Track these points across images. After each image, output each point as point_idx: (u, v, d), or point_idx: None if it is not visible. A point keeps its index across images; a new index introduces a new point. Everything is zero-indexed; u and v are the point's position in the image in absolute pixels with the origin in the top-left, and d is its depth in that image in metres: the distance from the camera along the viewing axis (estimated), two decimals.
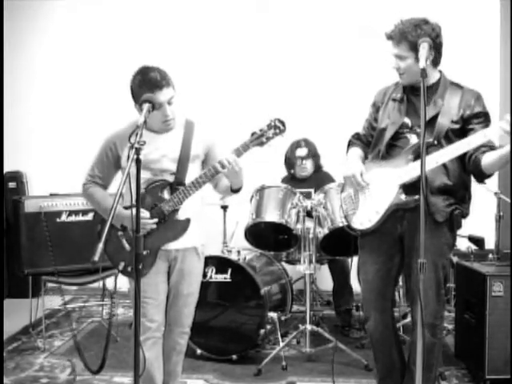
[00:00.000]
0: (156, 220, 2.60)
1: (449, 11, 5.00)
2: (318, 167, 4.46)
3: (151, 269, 2.63)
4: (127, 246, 2.62)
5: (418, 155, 2.49)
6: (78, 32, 5.38)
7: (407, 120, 2.67)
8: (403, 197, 2.58)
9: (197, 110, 5.12)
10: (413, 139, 2.64)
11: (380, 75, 2.85)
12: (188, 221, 2.66)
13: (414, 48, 2.50)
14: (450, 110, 2.56)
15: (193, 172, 2.69)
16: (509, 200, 3.71)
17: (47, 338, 3.94)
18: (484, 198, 4.10)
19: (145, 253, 2.59)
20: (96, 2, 5.39)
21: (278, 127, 2.55)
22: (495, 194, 3.72)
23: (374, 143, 2.79)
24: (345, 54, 4.96)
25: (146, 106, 2.35)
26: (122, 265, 2.63)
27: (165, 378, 2.87)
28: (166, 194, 2.64)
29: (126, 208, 2.57)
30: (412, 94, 2.69)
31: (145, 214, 2.55)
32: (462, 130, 2.57)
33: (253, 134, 2.56)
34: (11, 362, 3.59)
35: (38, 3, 5.41)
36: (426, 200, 2.51)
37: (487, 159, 2.46)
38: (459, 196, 2.61)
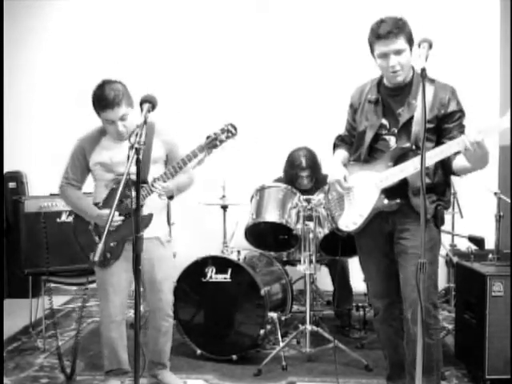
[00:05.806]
0: (122, 218, 2.84)
1: (449, 11, 5.00)
2: (317, 178, 4.19)
3: (118, 259, 2.89)
4: (97, 239, 2.91)
5: (396, 161, 2.57)
6: (80, 32, 5.37)
7: (385, 122, 2.66)
8: (386, 201, 2.61)
9: (195, 110, 5.15)
10: (391, 141, 2.64)
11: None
12: (150, 216, 2.86)
13: (409, 40, 2.51)
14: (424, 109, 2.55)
15: (155, 173, 2.85)
16: (509, 200, 3.71)
17: (47, 338, 3.93)
18: (484, 197, 4.12)
19: (112, 244, 2.86)
20: (96, 2, 5.39)
21: (230, 131, 2.81)
22: (495, 194, 3.71)
23: (355, 145, 2.80)
24: (345, 55, 4.93)
25: (145, 106, 2.36)
26: (92, 255, 2.82)
27: (155, 358, 3.10)
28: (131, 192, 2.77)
29: (95, 204, 2.89)
30: (387, 94, 2.67)
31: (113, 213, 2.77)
32: (438, 128, 2.56)
33: (208, 137, 2.80)
34: (11, 362, 3.59)
35: (38, 3, 5.41)
36: (410, 202, 2.55)
37: (458, 163, 2.48)
38: (440, 191, 2.61)
